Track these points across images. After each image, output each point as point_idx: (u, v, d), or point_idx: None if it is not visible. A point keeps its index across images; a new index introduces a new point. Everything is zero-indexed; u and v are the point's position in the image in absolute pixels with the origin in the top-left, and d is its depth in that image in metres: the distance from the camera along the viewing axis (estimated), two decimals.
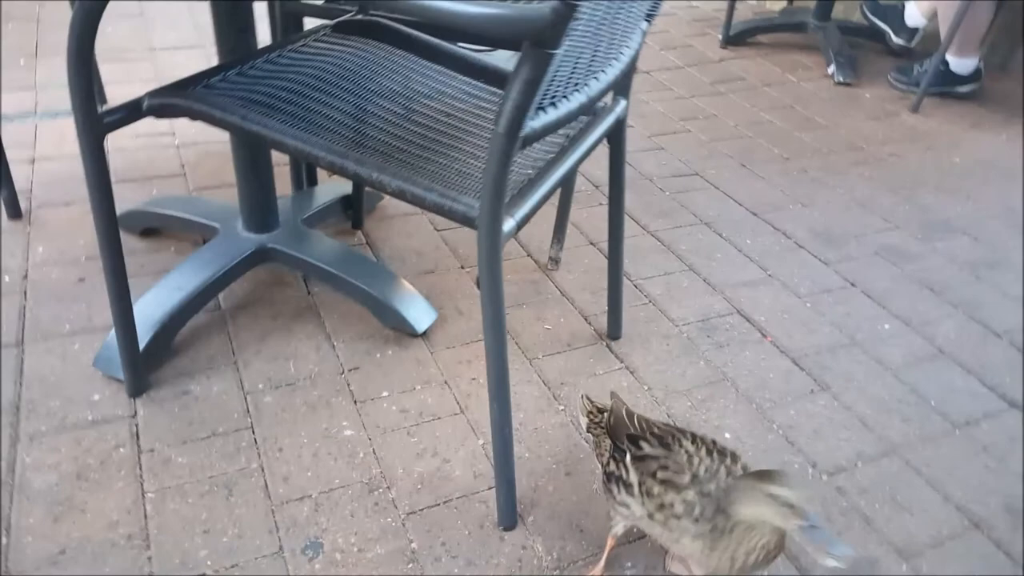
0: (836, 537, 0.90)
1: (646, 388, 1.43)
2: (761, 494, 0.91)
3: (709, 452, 1.02)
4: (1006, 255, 1.96)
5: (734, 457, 1.03)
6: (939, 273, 1.86)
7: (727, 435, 1.35)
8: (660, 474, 1.00)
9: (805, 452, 1.33)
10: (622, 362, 1.49)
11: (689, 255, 1.84)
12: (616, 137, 1.34)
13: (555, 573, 1.11)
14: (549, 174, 1.13)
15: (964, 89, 2.85)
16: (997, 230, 2.07)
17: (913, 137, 2.57)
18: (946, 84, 2.83)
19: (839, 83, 2.92)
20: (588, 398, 1.20)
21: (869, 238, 1.98)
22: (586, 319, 1.60)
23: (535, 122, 0.93)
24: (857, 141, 2.51)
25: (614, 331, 1.54)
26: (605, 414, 1.14)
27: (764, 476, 0.92)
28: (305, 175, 1.80)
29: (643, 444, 1.04)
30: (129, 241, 1.69)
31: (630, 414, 1.10)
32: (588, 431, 1.17)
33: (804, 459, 1.32)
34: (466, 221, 0.99)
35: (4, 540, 1.08)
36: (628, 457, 1.04)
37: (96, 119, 1.10)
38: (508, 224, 0.99)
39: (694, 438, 1.05)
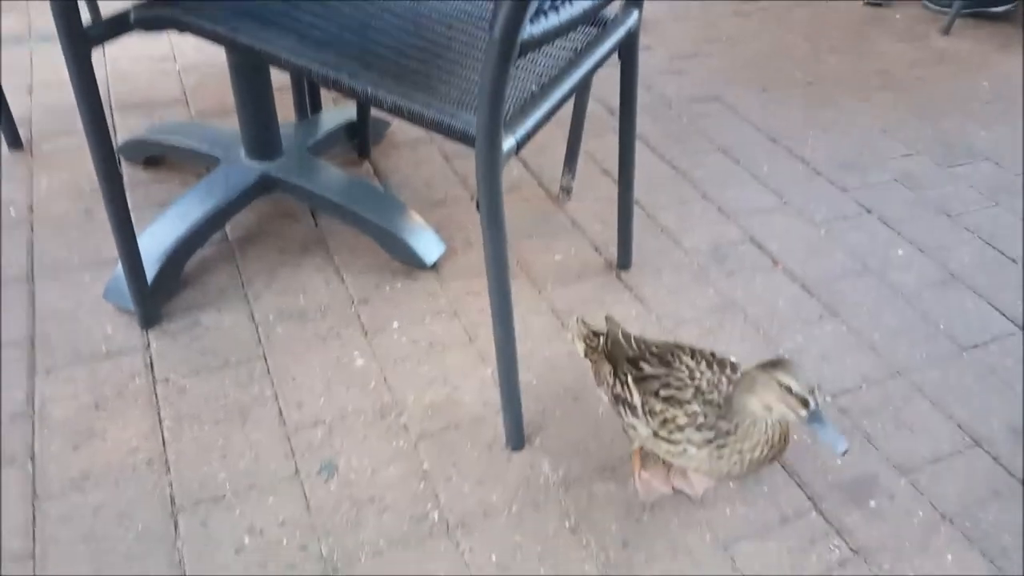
0: (836, 430, 0.91)
1: (655, 317, 1.44)
2: (769, 381, 0.92)
3: (709, 364, 1.04)
4: None
5: (733, 367, 1.04)
6: (957, 199, 1.82)
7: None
8: (663, 392, 1.02)
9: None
10: (632, 291, 1.49)
11: (704, 182, 1.81)
12: (628, 52, 1.28)
13: (561, 488, 1.14)
14: (554, 90, 1.08)
15: (999, 9, 2.73)
16: (1019, 155, 2.01)
17: (942, 60, 2.48)
18: (980, 3, 2.70)
19: (869, 3, 2.80)
20: (583, 322, 1.20)
21: (889, 164, 1.93)
22: (597, 249, 1.59)
23: (535, 27, 0.87)
24: (883, 64, 2.42)
25: (624, 261, 1.53)
26: (601, 338, 1.14)
27: (772, 365, 0.93)
28: (308, 101, 1.77)
29: (643, 365, 1.05)
30: (133, 172, 1.69)
31: (627, 336, 1.11)
32: (585, 356, 1.18)
33: None
34: (465, 138, 0.97)
35: (30, 468, 1.12)
36: (630, 380, 1.05)
37: (80, 32, 1.06)
38: (508, 142, 0.97)
39: (693, 352, 1.06)
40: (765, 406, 0.93)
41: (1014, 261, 1.64)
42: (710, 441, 0.98)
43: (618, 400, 1.08)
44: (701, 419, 0.99)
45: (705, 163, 1.88)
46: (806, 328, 1.43)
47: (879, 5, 2.80)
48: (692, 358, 1.05)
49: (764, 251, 1.62)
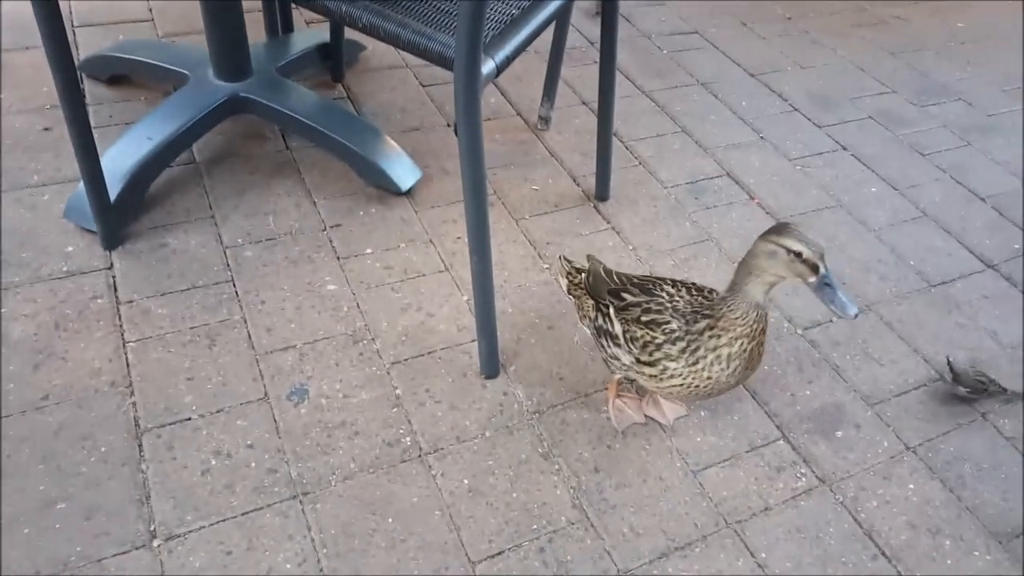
0: (846, 296, 0.90)
1: (631, 248, 1.43)
2: (777, 251, 0.90)
3: (688, 291, 1.04)
4: (999, 120, 1.92)
5: (712, 291, 1.04)
6: (930, 137, 1.83)
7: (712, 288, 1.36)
8: (643, 317, 1.02)
9: (782, 308, 1.35)
10: (609, 223, 1.48)
11: (683, 116, 1.78)
12: None
13: (534, 415, 1.14)
14: (534, 14, 1.05)
15: None
16: (993, 96, 2.02)
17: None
18: None
19: None
20: (565, 259, 1.19)
21: (865, 102, 1.93)
22: (575, 180, 1.57)
23: None
24: (862, 2, 2.39)
25: (602, 192, 1.52)
26: (583, 275, 1.14)
27: (777, 232, 0.91)
28: (280, 20, 1.69)
29: (624, 295, 1.05)
30: (96, 89, 1.61)
31: (608, 271, 1.10)
32: (569, 293, 1.17)
33: (781, 314, 1.34)
34: (442, 61, 0.94)
35: None
36: (612, 310, 1.05)
37: None
38: (487, 65, 0.94)
39: (674, 283, 1.06)
40: (773, 277, 0.92)
41: (983, 200, 1.66)
42: (684, 350, 0.99)
43: (600, 333, 1.08)
44: (676, 332, 0.99)
45: (684, 97, 1.85)
46: None
47: None
48: (672, 286, 1.05)
49: (740, 185, 1.61)
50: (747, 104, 1.86)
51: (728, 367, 0.98)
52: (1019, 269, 1.49)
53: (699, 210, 1.54)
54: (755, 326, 0.96)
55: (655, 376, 1.02)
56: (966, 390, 1.20)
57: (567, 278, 1.17)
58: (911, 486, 1.11)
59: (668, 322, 1.00)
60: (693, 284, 1.06)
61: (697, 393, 1.02)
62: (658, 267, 1.40)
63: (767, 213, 1.55)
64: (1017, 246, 1.54)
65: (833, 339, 1.30)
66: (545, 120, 1.68)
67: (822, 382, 1.23)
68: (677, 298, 1.03)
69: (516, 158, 1.61)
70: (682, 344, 0.99)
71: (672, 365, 1.00)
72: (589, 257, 1.15)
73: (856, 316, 0.89)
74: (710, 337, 0.97)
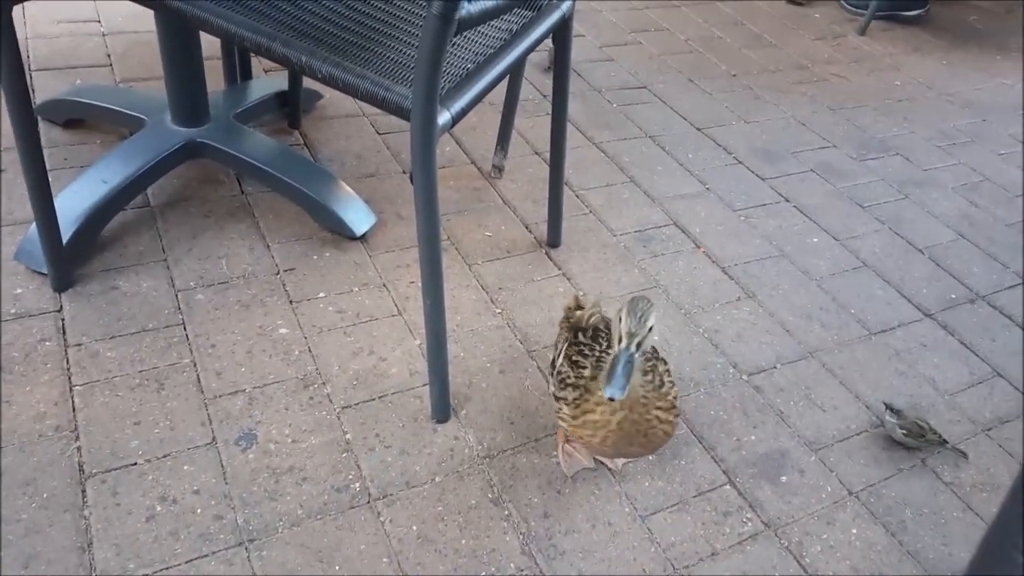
0: (622, 378, 0.89)
1: (581, 293, 1.46)
2: (619, 311, 0.94)
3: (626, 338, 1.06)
4: (934, 175, 2.03)
5: (655, 353, 1.08)
6: (869, 190, 1.92)
7: (655, 337, 1.39)
8: (575, 356, 1.06)
9: (728, 354, 1.39)
10: (560, 269, 1.51)
11: (631, 167, 1.84)
12: (561, 36, 1.31)
13: (485, 460, 1.15)
14: (489, 68, 1.10)
15: (911, 14, 2.88)
16: (928, 151, 2.13)
17: (858, 58, 2.59)
18: (894, 8, 2.84)
19: (790, 2, 2.90)
20: (579, 295, 1.23)
21: (806, 155, 2.02)
22: (527, 227, 1.60)
23: (472, 5, 0.90)
24: (803, 60, 2.52)
25: (554, 239, 1.55)
26: (580, 312, 1.17)
27: (633, 298, 0.95)
28: (239, 68, 1.72)
29: (579, 335, 1.09)
30: (51, 132, 1.61)
31: (596, 317, 1.13)
32: (559, 324, 1.20)
33: (726, 360, 1.38)
34: (399, 112, 0.97)
35: None
36: (563, 345, 1.09)
37: None
38: (443, 116, 0.98)
39: (608, 328, 1.09)
40: (613, 331, 0.94)
41: (920, 251, 1.74)
42: (576, 399, 1.01)
43: (552, 364, 1.12)
44: (578, 380, 1.02)
45: (633, 148, 1.92)
46: (724, 309, 1.49)
47: (800, 4, 2.91)
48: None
49: (687, 234, 1.67)
50: (693, 156, 1.93)
51: (596, 435, 0.99)
52: (956, 318, 1.56)
53: (647, 258, 1.58)
54: (630, 396, 0.95)
55: (559, 413, 1.05)
56: (903, 432, 1.24)
57: (564, 310, 1.20)
58: (854, 531, 1.13)
59: (584, 368, 1.03)
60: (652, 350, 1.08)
61: (591, 447, 1.04)
62: (608, 313, 1.43)
63: (712, 261, 1.60)
64: (953, 296, 1.62)
65: (777, 385, 1.34)
66: (499, 169, 1.72)
67: (767, 427, 1.27)
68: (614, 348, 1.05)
69: (470, 205, 1.65)
70: (575, 393, 1.02)
71: (565, 409, 1.03)
72: (596, 303, 1.18)
73: (610, 399, 0.89)
74: (584, 400, 1.00)
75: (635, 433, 0.98)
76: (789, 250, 1.67)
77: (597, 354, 1.06)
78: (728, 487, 1.16)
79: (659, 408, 1.00)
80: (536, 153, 1.83)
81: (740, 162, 1.95)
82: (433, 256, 1.05)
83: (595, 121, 2.00)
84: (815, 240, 1.72)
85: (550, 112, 1.41)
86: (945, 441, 1.26)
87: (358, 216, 1.47)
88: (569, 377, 1.04)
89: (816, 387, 1.35)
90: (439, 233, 1.04)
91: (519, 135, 1.86)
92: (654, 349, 1.08)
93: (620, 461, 1.17)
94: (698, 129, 2.05)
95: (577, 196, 1.72)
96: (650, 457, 1.18)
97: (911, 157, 2.09)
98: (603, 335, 1.09)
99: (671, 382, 1.05)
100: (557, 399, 1.06)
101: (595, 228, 1.64)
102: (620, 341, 0.91)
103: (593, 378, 1.01)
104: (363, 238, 1.49)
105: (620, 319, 0.92)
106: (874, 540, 1.12)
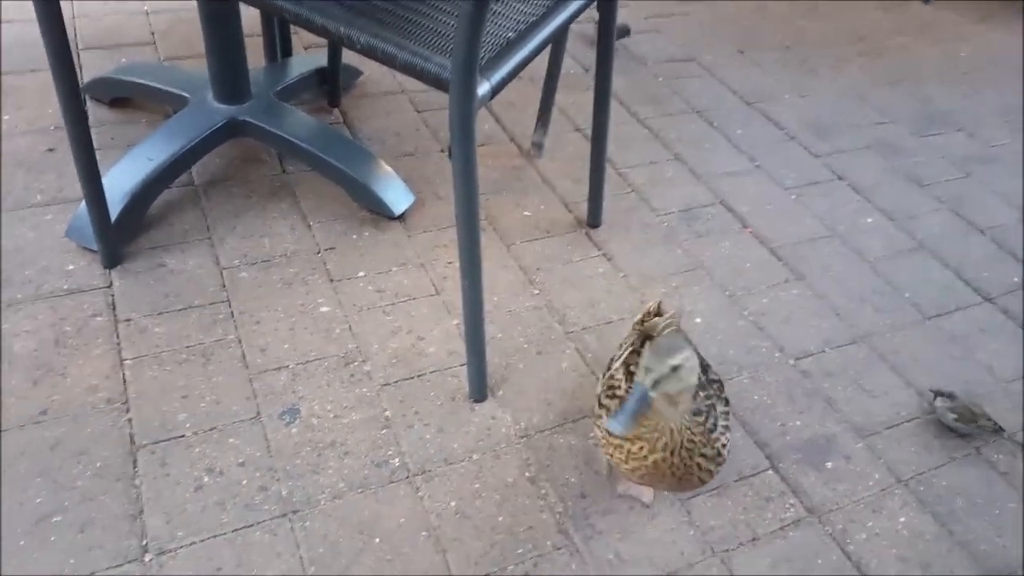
0: (628, 415, 0.86)
1: (622, 275, 1.44)
2: (647, 345, 0.90)
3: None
4: (1000, 152, 1.93)
5: (711, 380, 1.03)
6: (929, 168, 1.84)
7: (698, 320, 1.37)
8: (632, 367, 1.02)
9: (773, 337, 1.36)
10: (600, 249, 1.49)
11: (677, 144, 1.80)
12: (605, 5, 1.27)
13: (522, 439, 1.15)
14: (530, 37, 1.06)
15: None
16: (994, 126, 2.03)
17: (921, 28, 2.47)
18: None
19: None
20: (662, 300, 1.16)
21: (863, 131, 1.94)
22: (567, 206, 1.58)
23: None
24: (862, 30, 2.41)
25: (594, 219, 1.53)
26: (656, 319, 1.11)
27: (665, 336, 0.92)
28: (279, 45, 1.73)
29: (646, 343, 1.05)
30: (99, 111, 1.65)
31: (667, 327, 1.07)
32: (632, 325, 1.13)
33: (772, 344, 1.34)
34: (438, 83, 0.96)
35: None
36: (625, 351, 1.05)
37: None
38: (483, 87, 0.96)
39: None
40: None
41: (982, 232, 1.66)
42: (611, 410, 0.98)
43: (608, 364, 1.08)
44: (628, 392, 0.96)
45: (679, 124, 1.87)
46: (772, 291, 1.45)
47: None
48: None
49: (734, 214, 1.62)
50: (742, 132, 1.88)
51: (627, 463, 0.95)
52: (1018, 303, 1.49)
53: (692, 238, 1.55)
54: (674, 438, 0.91)
55: (597, 421, 1.02)
56: (954, 416, 1.20)
57: (642, 313, 1.13)
58: (902, 519, 1.10)
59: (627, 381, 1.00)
60: (706, 367, 1.04)
61: (617, 468, 0.99)
62: (649, 294, 1.41)
63: (760, 242, 1.56)
64: (1016, 279, 1.54)
65: (826, 370, 1.31)
66: (538, 146, 1.70)
67: (813, 413, 1.23)
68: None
69: (508, 184, 1.63)
70: (615, 403, 0.98)
71: (604, 420, 0.98)
72: (675, 313, 1.12)
73: (610, 432, 0.87)
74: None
75: (669, 475, 0.94)
76: (842, 230, 1.62)
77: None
78: (771, 472, 1.14)
79: (703, 456, 0.94)
80: (577, 130, 1.80)
81: (792, 138, 1.88)
82: (471, 234, 1.04)
83: (640, 96, 1.95)
84: (869, 220, 1.65)
85: (592, 87, 1.38)
86: (1001, 429, 1.21)
87: (397, 196, 1.47)
88: (619, 388, 1.00)
89: (866, 372, 1.31)
90: (477, 209, 1.03)
91: (560, 111, 1.83)
92: (720, 385, 1.03)
93: (647, 496, 1.10)
94: (748, 103, 1.99)
95: (619, 174, 1.69)
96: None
97: (975, 133, 1.99)
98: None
99: (725, 426, 0.98)
100: (600, 405, 1.02)
101: (637, 207, 1.61)
102: (640, 379, 0.86)
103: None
104: (401, 218, 1.49)
105: (645, 352, 0.88)
106: (923, 529, 1.09)
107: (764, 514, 1.09)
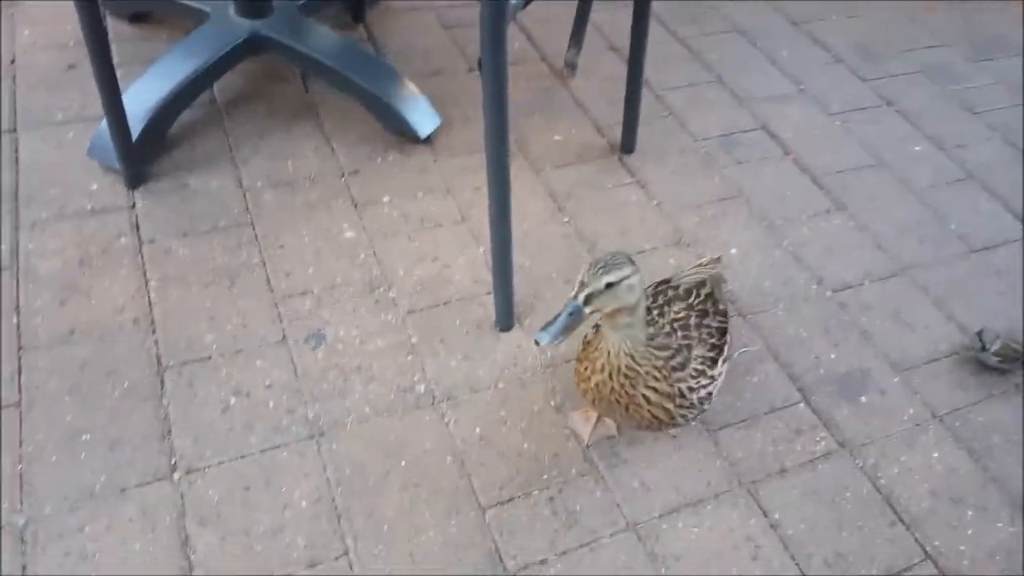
0: (556, 330, 0.83)
1: (655, 203, 1.39)
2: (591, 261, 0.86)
3: (692, 307, 1.00)
4: None
5: (710, 317, 1.00)
6: (983, 95, 1.73)
7: (733, 251, 1.32)
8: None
9: (812, 268, 1.31)
10: (633, 176, 1.44)
11: (718, 65, 1.71)
12: None
13: (548, 368, 1.14)
14: None
15: None
16: None
17: None
18: None
19: None
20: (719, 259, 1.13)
21: (914, 55, 1.83)
22: (600, 130, 1.52)
23: None
24: None
25: (628, 144, 1.47)
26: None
27: (609, 253, 0.87)
28: None
29: (661, 285, 1.05)
30: (118, 27, 1.61)
31: (695, 278, 1.06)
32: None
33: (810, 275, 1.30)
34: None
35: (16, 320, 1.11)
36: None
37: None
38: None
39: (688, 293, 1.02)
40: None
41: None
42: (587, 341, 0.96)
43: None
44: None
45: (721, 44, 1.78)
46: (813, 221, 1.39)
47: None
48: (688, 297, 1.02)
49: (776, 140, 1.55)
50: (787, 54, 1.78)
51: (580, 386, 0.95)
52: None
53: (731, 165, 1.49)
54: (610, 360, 0.89)
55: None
56: (997, 359, 1.16)
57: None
58: (935, 454, 1.08)
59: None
60: (708, 304, 1.01)
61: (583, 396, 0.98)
62: (682, 222, 1.36)
63: (802, 169, 1.49)
64: None
65: (864, 302, 1.26)
66: (572, 66, 1.62)
67: (849, 346, 1.20)
68: (673, 304, 1.00)
69: (539, 106, 1.57)
70: (591, 336, 0.97)
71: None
72: (713, 263, 1.10)
73: (536, 343, 0.84)
74: (587, 345, 0.95)
75: (613, 401, 0.92)
76: (888, 159, 1.54)
77: (658, 302, 1.00)
78: (802, 405, 1.12)
79: (653, 389, 0.91)
80: (613, 49, 1.72)
81: (839, 61, 1.78)
82: (500, 154, 1.00)
83: (680, 13, 1.85)
84: (917, 148, 1.57)
85: (629, 3, 1.30)
86: None
87: (423, 118, 1.43)
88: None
89: (906, 306, 1.27)
90: (507, 125, 0.98)
91: (595, 29, 1.74)
92: (718, 332, 0.99)
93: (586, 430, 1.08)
94: (794, 23, 1.88)
95: (656, 97, 1.61)
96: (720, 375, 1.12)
97: None
98: (676, 299, 1.01)
99: (700, 371, 0.94)
100: (584, 335, 1.00)
101: (675, 132, 1.54)
102: (574, 291, 0.84)
103: (596, 327, 0.96)
104: (427, 140, 1.45)
105: (584, 267, 0.85)
106: (956, 465, 1.07)
107: (794, 446, 1.07)
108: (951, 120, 1.65)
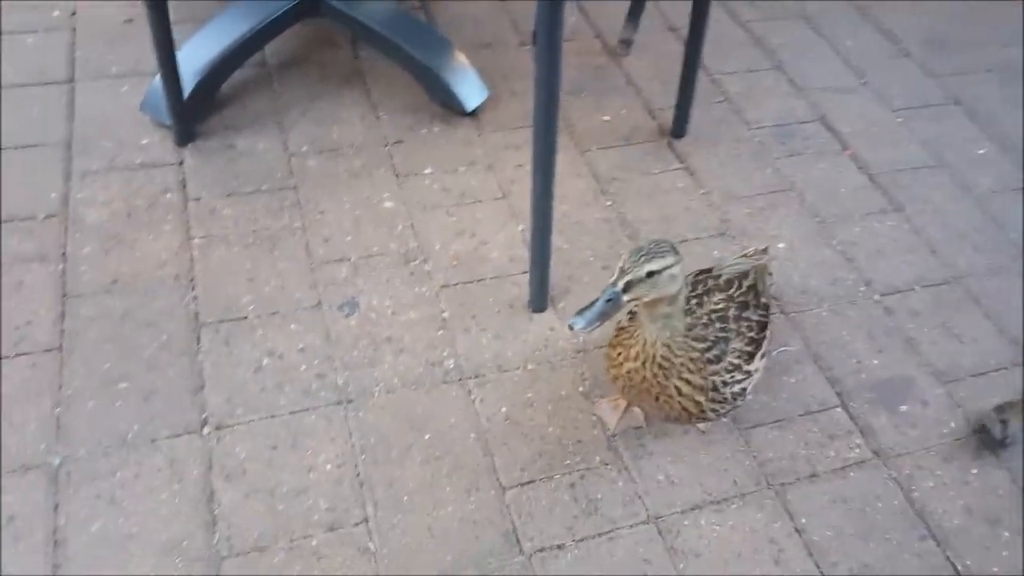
0: (592, 316, 0.81)
1: (703, 192, 1.36)
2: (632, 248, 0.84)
3: (732, 299, 0.98)
4: None
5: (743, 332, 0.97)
6: None
7: (781, 245, 1.29)
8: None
9: (861, 270, 1.27)
10: (682, 162, 1.40)
11: (779, 51, 1.65)
12: None
13: (579, 353, 1.12)
14: None
15: None
16: None
17: None
18: None
19: None
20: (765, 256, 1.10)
21: (986, 52, 1.74)
22: (650, 112, 1.49)
23: None
24: None
25: (679, 128, 1.43)
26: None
27: (651, 240, 0.85)
28: None
29: (703, 274, 1.02)
30: None
31: (737, 268, 1.03)
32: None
33: (858, 276, 1.26)
34: None
35: (61, 267, 1.14)
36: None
37: None
38: None
39: (729, 284, 1.00)
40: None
41: None
42: (622, 327, 0.95)
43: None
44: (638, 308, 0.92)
45: (783, 30, 1.71)
46: (866, 220, 1.34)
47: None
48: (728, 289, 0.99)
49: (834, 133, 1.50)
50: (852, 43, 1.71)
51: (611, 372, 0.93)
52: None
53: (784, 156, 1.44)
54: (646, 350, 0.87)
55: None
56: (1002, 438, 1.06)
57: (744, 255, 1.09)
58: (974, 471, 1.04)
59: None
60: (749, 296, 0.98)
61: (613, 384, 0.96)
62: (731, 213, 1.32)
63: (859, 166, 1.44)
64: None
65: (912, 309, 1.22)
66: (626, 44, 1.58)
67: (893, 352, 1.16)
68: (713, 294, 0.97)
69: (590, 84, 1.54)
70: (627, 322, 0.95)
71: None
72: (760, 254, 1.08)
73: (570, 327, 0.82)
74: (621, 331, 0.93)
75: (644, 390, 0.90)
76: (950, 160, 1.48)
77: (699, 299, 0.98)
78: (839, 410, 1.09)
79: (686, 381, 0.89)
80: (671, 29, 1.67)
81: (906, 54, 1.70)
82: (548, 134, 0.98)
83: None
84: (982, 151, 1.50)
85: None
86: None
87: (471, 90, 1.41)
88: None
89: (956, 315, 1.22)
90: (557, 103, 0.96)
91: (653, 6, 1.70)
92: (758, 325, 0.96)
93: (614, 423, 1.06)
94: (862, 12, 1.80)
95: (712, 81, 1.57)
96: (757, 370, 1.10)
97: None
98: (716, 289, 0.99)
99: (735, 365, 0.92)
100: (618, 321, 0.98)
101: (729, 119, 1.50)
102: (614, 278, 0.82)
103: (632, 315, 0.94)
104: (474, 114, 1.43)
105: (624, 253, 0.83)
106: (996, 484, 1.03)
107: (827, 451, 1.04)
108: (1019, 124, 1.57)
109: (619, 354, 0.91)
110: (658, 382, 0.89)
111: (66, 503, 0.92)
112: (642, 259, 0.81)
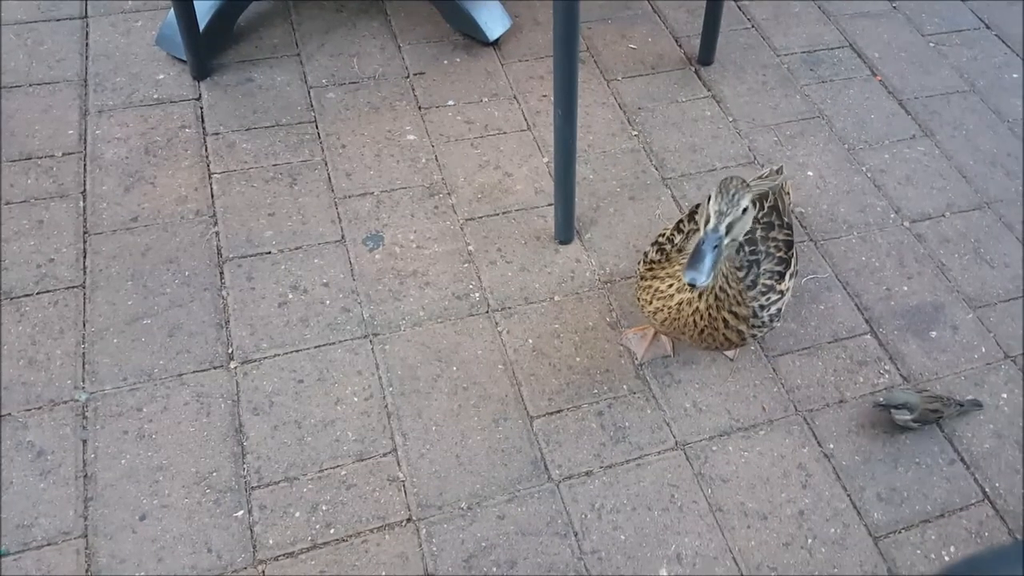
0: (708, 266, 0.79)
1: (730, 120, 1.33)
2: (718, 188, 0.83)
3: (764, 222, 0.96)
4: None
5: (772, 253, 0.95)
6: None
7: (810, 173, 1.26)
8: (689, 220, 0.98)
9: (891, 196, 1.24)
10: (709, 90, 1.37)
11: None
12: None
13: (606, 285, 1.11)
14: None
15: None
16: None
17: None
18: None
19: None
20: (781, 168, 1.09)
21: None
22: (676, 40, 1.44)
23: None
24: None
25: (706, 56, 1.39)
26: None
27: (731, 178, 0.84)
28: None
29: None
30: None
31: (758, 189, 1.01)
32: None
33: (888, 203, 1.23)
34: None
35: (82, 204, 1.13)
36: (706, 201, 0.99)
37: None
38: None
39: (758, 203, 0.98)
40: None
41: None
42: (652, 261, 0.94)
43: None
44: (664, 245, 0.94)
45: None
46: (895, 147, 1.31)
47: None
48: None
49: (863, 59, 1.45)
50: None
51: (651, 304, 0.91)
52: None
53: (813, 83, 1.40)
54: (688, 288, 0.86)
55: (638, 266, 0.99)
56: (916, 423, 0.99)
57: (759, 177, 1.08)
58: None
59: (684, 233, 0.96)
60: (773, 216, 0.97)
61: (645, 315, 0.94)
62: (758, 141, 1.29)
63: (889, 92, 1.40)
64: None
65: (943, 235, 1.20)
66: None
67: (923, 279, 1.14)
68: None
69: (614, 12, 1.49)
70: (658, 256, 0.94)
71: (640, 266, 0.96)
72: (775, 173, 1.06)
73: (692, 285, 0.79)
74: (660, 266, 0.91)
75: (691, 324, 0.89)
76: (982, 85, 1.43)
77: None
78: (869, 336, 1.08)
79: (732, 313, 0.88)
80: None
81: None
82: (569, 65, 0.95)
83: None
84: (1015, 76, 1.45)
85: None
86: (962, 404, 1.01)
87: (493, 19, 1.37)
88: (663, 237, 0.96)
89: (988, 241, 1.19)
90: (577, 36, 0.93)
91: None
92: (783, 244, 0.95)
93: (643, 353, 1.05)
94: None
95: (739, 7, 1.52)
96: (788, 290, 1.08)
97: None
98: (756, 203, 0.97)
99: (769, 286, 0.91)
100: (647, 261, 0.97)
101: (756, 45, 1.46)
102: (707, 222, 0.80)
103: (679, 249, 0.92)
104: (496, 44, 1.39)
105: (710, 198, 0.81)
106: None
107: (855, 377, 1.04)
108: None
109: (670, 285, 0.89)
110: (709, 314, 0.88)
111: (94, 439, 0.93)
112: (735, 197, 0.80)
